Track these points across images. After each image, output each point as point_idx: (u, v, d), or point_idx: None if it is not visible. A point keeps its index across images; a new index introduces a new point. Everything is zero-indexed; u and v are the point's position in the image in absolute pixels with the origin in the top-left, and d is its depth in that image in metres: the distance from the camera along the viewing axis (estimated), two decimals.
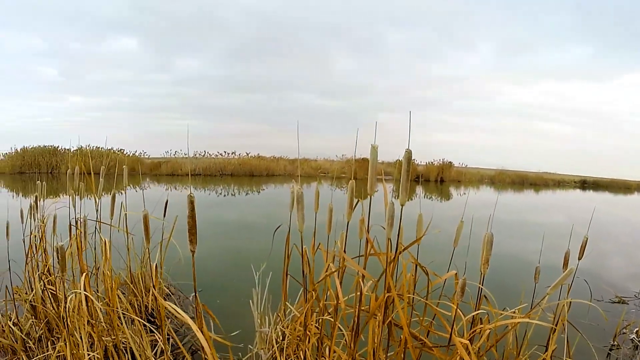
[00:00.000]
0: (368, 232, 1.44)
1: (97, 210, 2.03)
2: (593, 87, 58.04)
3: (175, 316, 2.67)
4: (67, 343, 1.69)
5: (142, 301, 2.52)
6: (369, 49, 55.75)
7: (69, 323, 1.91)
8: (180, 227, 2.21)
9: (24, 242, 2.30)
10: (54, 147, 23.32)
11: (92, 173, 2.11)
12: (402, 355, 1.53)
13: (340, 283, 1.46)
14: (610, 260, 5.87)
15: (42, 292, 2.17)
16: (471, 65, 55.26)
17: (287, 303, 1.72)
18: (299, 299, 1.88)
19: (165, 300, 2.90)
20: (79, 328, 1.79)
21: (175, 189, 14.94)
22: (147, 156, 25.13)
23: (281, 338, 1.81)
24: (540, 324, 1.72)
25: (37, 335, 2.24)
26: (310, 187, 15.86)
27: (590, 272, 4.66)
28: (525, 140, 52.46)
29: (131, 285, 2.47)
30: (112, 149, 22.55)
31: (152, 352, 1.95)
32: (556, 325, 1.97)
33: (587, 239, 2.02)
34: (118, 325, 1.84)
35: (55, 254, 1.51)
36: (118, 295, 1.95)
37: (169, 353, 2.05)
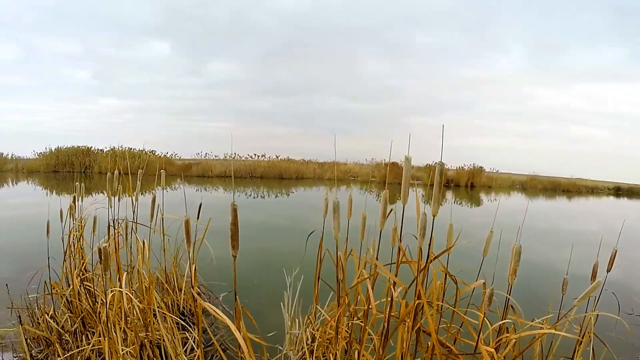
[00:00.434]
0: (400, 241, 1.47)
1: (133, 212, 2.11)
2: (629, 90, 55.14)
3: (206, 316, 2.75)
4: (105, 338, 1.76)
5: (175, 299, 2.59)
6: (398, 52, 54.99)
7: (105, 318, 2.00)
8: (211, 228, 2.27)
9: (62, 240, 2.39)
10: (87, 147, 24.30)
11: (128, 173, 2.19)
12: None
13: (372, 289, 1.50)
14: None
15: (79, 288, 2.26)
16: (502, 67, 53.69)
17: (317, 306, 1.76)
18: (329, 302, 1.93)
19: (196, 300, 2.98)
20: (115, 324, 1.86)
21: (206, 190, 15.24)
22: (178, 157, 25.58)
23: (310, 340, 1.85)
24: (566, 335, 1.72)
25: (72, 329, 2.32)
26: (339, 191, 15.90)
27: (621, 283, 4.57)
28: (557, 145, 51.04)
29: (166, 285, 2.55)
30: (144, 150, 23.14)
31: (182, 349, 2.01)
32: (582, 338, 1.96)
33: (616, 250, 2.01)
34: (153, 323, 1.90)
35: (98, 254, 1.57)
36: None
37: (201, 351, 2.11)
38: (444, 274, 1.66)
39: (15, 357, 2.58)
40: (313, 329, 1.85)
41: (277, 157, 25.20)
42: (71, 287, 2.29)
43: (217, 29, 53.34)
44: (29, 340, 2.48)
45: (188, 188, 15.51)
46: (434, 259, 1.53)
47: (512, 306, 1.87)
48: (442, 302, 1.69)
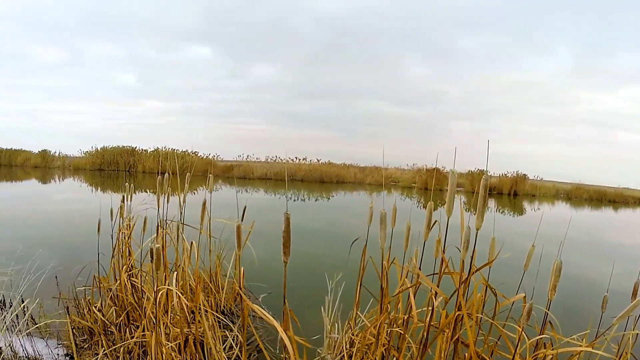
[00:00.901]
0: (444, 252, 1.50)
1: (181, 213, 2.20)
2: None
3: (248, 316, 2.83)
4: (152, 333, 1.85)
5: (216, 298, 2.69)
6: (440, 55, 53.87)
7: (150, 313, 2.10)
8: (254, 230, 2.35)
9: (112, 237, 2.52)
10: (132, 147, 25.28)
11: (174, 174, 2.28)
12: None
13: (414, 298, 1.53)
14: None
15: (126, 283, 2.38)
16: (547, 70, 50.82)
17: (358, 312, 1.80)
18: (369, 308, 1.97)
19: (235, 300, 3.07)
20: (159, 319, 1.95)
21: (247, 191, 15.52)
22: (220, 159, 26.05)
23: (349, 345, 1.90)
24: (603, 354, 1.71)
25: (117, 321, 2.44)
26: (379, 196, 15.87)
27: None
28: (604, 152, 48.70)
29: (210, 284, 2.64)
30: (186, 151, 23.76)
31: (222, 346, 2.09)
32: (620, 358, 1.94)
33: None
34: (198, 321, 1.99)
35: (150, 253, 1.66)
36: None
37: (242, 349, 2.19)
38: (485, 286, 1.68)
39: (59, 344, 2.72)
40: (352, 334, 1.89)
41: (318, 160, 25.29)
42: (118, 282, 2.41)
43: (258, 32, 54.10)
44: (74, 330, 2.62)
45: (229, 189, 15.84)
46: (476, 271, 1.55)
47: (550, 321, 1.87)
48: (482, 314, 1.71)
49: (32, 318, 2.63)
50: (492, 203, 15.17)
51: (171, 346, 2.00)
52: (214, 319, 2.02)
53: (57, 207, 10.03)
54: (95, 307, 2.51)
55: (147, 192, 12.86)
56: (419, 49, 54.76)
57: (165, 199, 2.14)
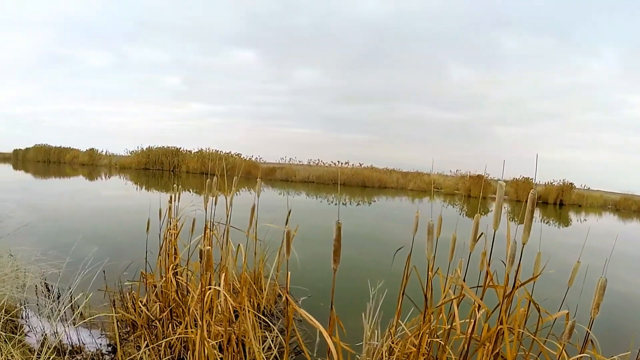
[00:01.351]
0: (489, 265, 1.51)
1: (227, 215, 2.29)
2: None
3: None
4: (197, 330, 1.94)
5: (258, 299, 2.77)
6: (483, 57, 52.61)
7: (193, 311, 2.20)
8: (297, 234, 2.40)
9: (159, 236, 2.64)
10: (177, 148, 26.37)
11: (225, 175, 2.36)
12: None
13: (457, 309, 1.55)
14: None
15: (171, 281, 2.49)
16: (594, 73, 48.41)
17: (399, 320, 1.83)
18: (409, 316, 1.99)
19: (275, 302, 3.16)
20: (203, 317, 2.04)
21: (288, 194, 15.78)
22: (262, 161, 26.80)
23: (388, 353, 1.93)
24: None
25: (161, 316, 2.56)
26: (422, 202, 15.83)
27: None
28: None
29: (254, 286, 2.73)
30: (229, 152, 24.66)
31: (261, 346, 2.16)
32: None
33: None
34: (241, 321, 2.07)
35: (199, 254, 1.75)
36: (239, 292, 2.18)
37: (280, 350, 2.26)
38: (528, 301, 1.68)
39: (102, 334, 2.86)
40: (392, 342, 1.92)
41: (361, 165, 25.39)
42: (164, 279, 2.53)
43: (299, 36, 54.73)
44: (117, 322, 2.76)
45: (271, 191, 16.15)
46: (520, 286, 1.55)
47: (591, 340, 1.84)
48: (523, 329, 1.70)
49: (78, 308, 2.76)
50: (537, 213, 14.72)
51: (213, 344, 2.09)
52: (256, 319, 2.09)
53: (105, 203, 10.57)
54: (141, 301, 2.63)
55: (190, 191, 13.24)
56: (461, 51, 53.38)
57: (213, 201, 2.23)
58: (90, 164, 28.20)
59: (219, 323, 2.20)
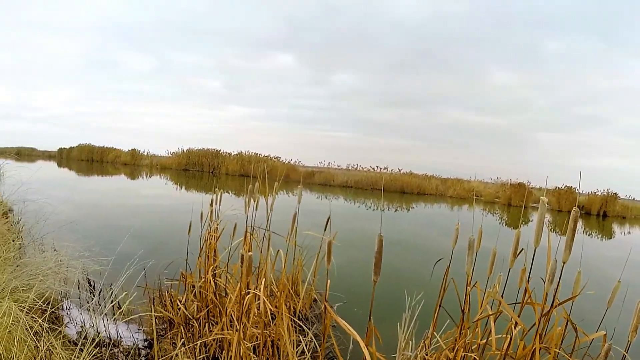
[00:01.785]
0: (528, 282, 1.53)
1: (267, 221, 2.36)
2: None
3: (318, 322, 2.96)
4: (236, 332, 2.02)
5: (292, 303, 2.84)
6: (526, 60, 51.37)
7: (230, 312, 2.28)
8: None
9: (200, 238, 2.76)
10: (217, 150, 27.02)
11: (265, 178, 2.43)
12: None
13: (494, 325, 1.57)
14: None
15: (210, 283, 2.60)
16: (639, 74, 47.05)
17: (434, 333, 1.85)
18: (445, 329, 2.01)
19: (311, 307, 3.23)
20: (241, 320, 2.12)
21: (326, 198, 15.93)
22: (301, 165, 27.09)
23: None
24: None
25: (198, 316, 2.66)
26: (461, 210, 15.62)
27: None
28: None
29: (291, 290, 2.81)
30: (269, 155, 25.32)
31: (294, 350, 2.22)
32: None
33: None
34: (275, 324, 2.13)
35: (240, 258, 1.83)
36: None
37: (314, 355, 2.31)
38: (565, 320, 1.67)
39: (139, 329, 2.99)
40: (426, 354, 1.94)
41: (400, 170, 25.20)
42: (203, 279, 2.63)
43: (338, 40, 55.02)
44: (155, 319, 2.88)
45: (310, 195, 16.29)
46: (558, 305, 1.56)
47: None
48: (560, 349, 1.70)
49: (118, 304, 2.90)
50: (579, 224, 14.16)
51: (248, 346, 2.16)
52: (291, 323, 2.16)
53: (146, 202, 10.97)
54: (179, 300, 2.75)
55: (229, 192, 13.54)
56: (502, 53, 52.11)
57: (255, 206, 2.31)
58: (132, 164, 29.29)
59: (254, 325, 2.28)
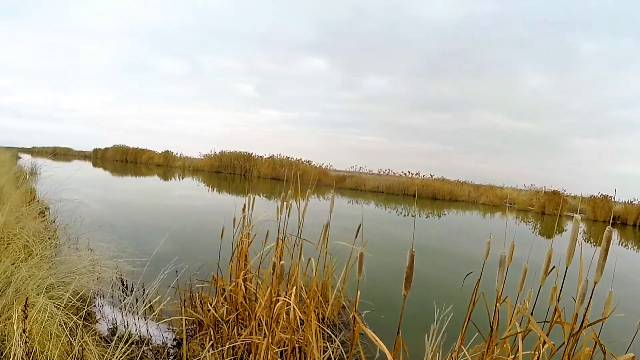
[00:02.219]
0: (558, 302, 1.54)
1: (299, 227, 2.43)
2: None
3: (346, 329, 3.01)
4: (265, 337, 2.09)
5: (321, 309, 2.91)
6: (560, 63, 49.91)
7: (260, 317, 2.36)
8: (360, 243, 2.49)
9: (232, 243, 2.86)
10: (249, 153, 27.49)
11: (298, 182, 2.49)
12: None
13: (522, 342, 1.59)
14: None
15: (241, 287, 2.69)
16: None
17: (462, 346, 1.88)
18: (472, 342, 2.03)
19: (339, 313, 3.28)
20: (270, 325, 2.19)
21: (357, 202, 15.92)
22: (332, 169, 27.46)
23: None
24: None
25: (227, 319, 2.75)
26: (493, 218, 15.39)
27: None
28: None
29: (321, 297, 2.88)
30: (300, 159, 25.52)
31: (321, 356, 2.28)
32: None
33: None
34: (302, 330, 2.20)
35: (272, 266, 1.90)
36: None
37: None
38: (594, 342, 1.67)
39: (169, 329, 3.10)
40: None
41: (432, 176, 24.95)
42: (234, 283, 2.73)
43: (370, 44, 54.80)
44: (185, 320, 2.99)
45: (340, 200, 16.29)
46: (588, 326, 1.56)
47: None
48: None
49: (150, 303, 3.01)
50: (614, 234, 13.71)
51: (276, 351, 2.23)
52: (319, 330, 2.22)
53: (179, 203, 11.22)
54: (210, 302, 2.85)
55: (260, 195, 13.73)
56: (535, 56, 50.75)
57: (287, 213, 2.38)
58: (165, 165, 30.08)
59: (283, 331, 2.35)
